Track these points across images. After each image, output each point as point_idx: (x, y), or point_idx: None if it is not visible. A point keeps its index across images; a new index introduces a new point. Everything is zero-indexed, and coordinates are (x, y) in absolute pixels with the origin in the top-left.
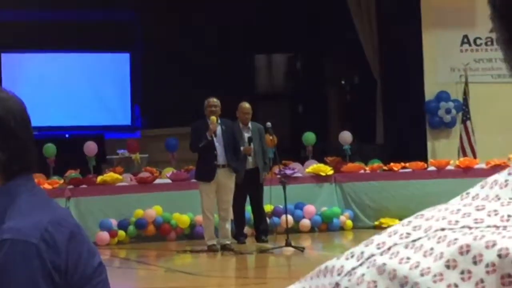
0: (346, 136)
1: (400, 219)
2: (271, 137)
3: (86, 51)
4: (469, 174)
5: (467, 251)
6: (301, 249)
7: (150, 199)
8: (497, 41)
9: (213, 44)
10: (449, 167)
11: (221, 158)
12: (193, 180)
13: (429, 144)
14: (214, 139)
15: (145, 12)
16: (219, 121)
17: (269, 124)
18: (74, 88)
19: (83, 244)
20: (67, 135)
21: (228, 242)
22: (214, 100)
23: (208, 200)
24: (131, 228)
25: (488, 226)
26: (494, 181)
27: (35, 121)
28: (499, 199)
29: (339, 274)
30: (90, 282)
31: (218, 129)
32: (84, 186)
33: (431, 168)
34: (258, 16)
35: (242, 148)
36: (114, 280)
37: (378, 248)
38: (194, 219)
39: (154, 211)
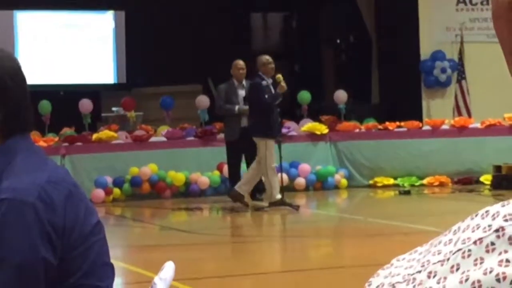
0: (341, 95)
1: (395, 178)
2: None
3: (81, 10)
4: (463, 133)
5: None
6: (296, 208)
7: (145, 157)
8: None
9: (210, 2)
10: (444, 127)
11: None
12: (190, 138)
13: (424, 103)
14: None
15: None
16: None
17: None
18: (70, 46)
19: (80, 203)
20: (62, 93)
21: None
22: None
23: (273, 156)
24: (126, 186)
25: None
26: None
27: (30, 79)
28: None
29: (505, 220)
30: (87, 241)
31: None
32: (79, 143)
33: (426, 127)
34: None
35: (237, 107)
36: (109, 237)
37: None
38: (189, 177)
39: (149, 169)
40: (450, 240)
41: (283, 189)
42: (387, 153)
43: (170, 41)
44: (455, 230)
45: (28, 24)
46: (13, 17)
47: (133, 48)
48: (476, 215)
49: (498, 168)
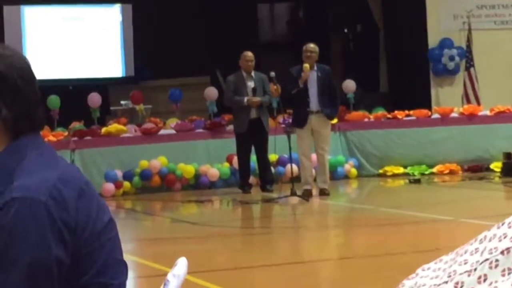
0: (349, 85)
1: (405, 167)
2: (275, 87)
3: (88, 3)
4: (473, 121)
5: None
6: (306, 198)
7: (154, 150)
8: None
9: None
10: (453, 115)
11: (313, 105)
12: (199, 130)
13: (433, 91)
14: (308, 85)
15: None
16: (315, 67)
17: (272, 73)
18: (77, 40)
19: (92, 201)
20: (70, 87)
21: (325, 187)
22: (311, 47)
23: (302, 145)
24: (136, 179)
25: None
26: None
27: (38, 74)
28: None
29: None
30: (100, 239)
31: (313, 75)
32: (88, 137)
33: (435, 115)
34: None
35: (246, 99)
36: (120, 231)
37: None
38: (199, 169)
39: (159, 162)
40: (477, 250)
41: (293, 180)
42: (396, 142)
43: (177, 33)
44: (481, 239)
45: (36, 19)
46: (21, 12)
47: (141, 41)
48: (503, 224)
49: (508, 155)
